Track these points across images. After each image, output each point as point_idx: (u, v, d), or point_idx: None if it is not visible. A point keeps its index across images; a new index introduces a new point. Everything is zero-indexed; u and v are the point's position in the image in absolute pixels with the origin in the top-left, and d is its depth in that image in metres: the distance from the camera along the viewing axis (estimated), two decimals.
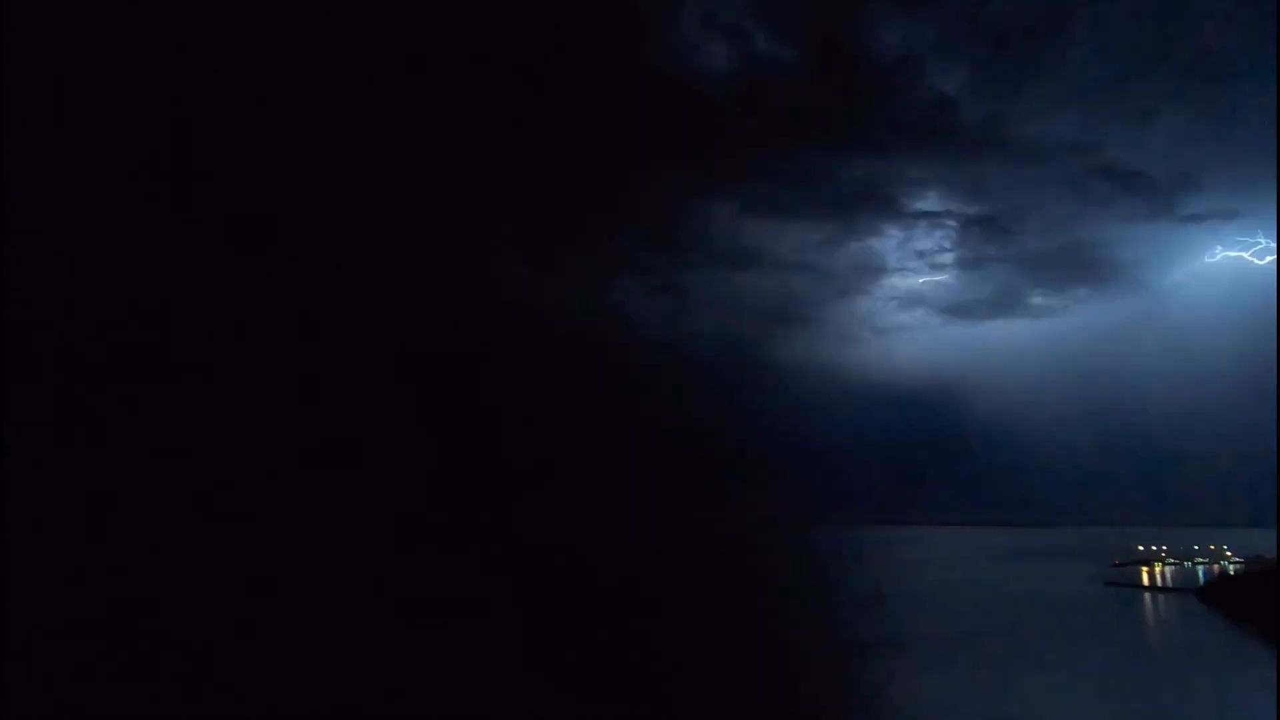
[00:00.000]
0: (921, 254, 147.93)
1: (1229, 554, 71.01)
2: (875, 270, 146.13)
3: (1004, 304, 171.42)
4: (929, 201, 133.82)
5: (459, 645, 24.29)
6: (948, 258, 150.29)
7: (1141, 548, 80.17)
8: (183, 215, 29.29)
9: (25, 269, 23.11)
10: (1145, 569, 69.14)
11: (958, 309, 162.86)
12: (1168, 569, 70.39)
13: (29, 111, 22.95)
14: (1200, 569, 68.15)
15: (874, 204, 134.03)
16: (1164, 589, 45.90)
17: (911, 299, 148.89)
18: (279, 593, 26.78)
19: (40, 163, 24.11)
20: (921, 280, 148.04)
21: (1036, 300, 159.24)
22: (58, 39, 23.90)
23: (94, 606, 22.32)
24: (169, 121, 27.93)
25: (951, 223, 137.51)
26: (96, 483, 24.91)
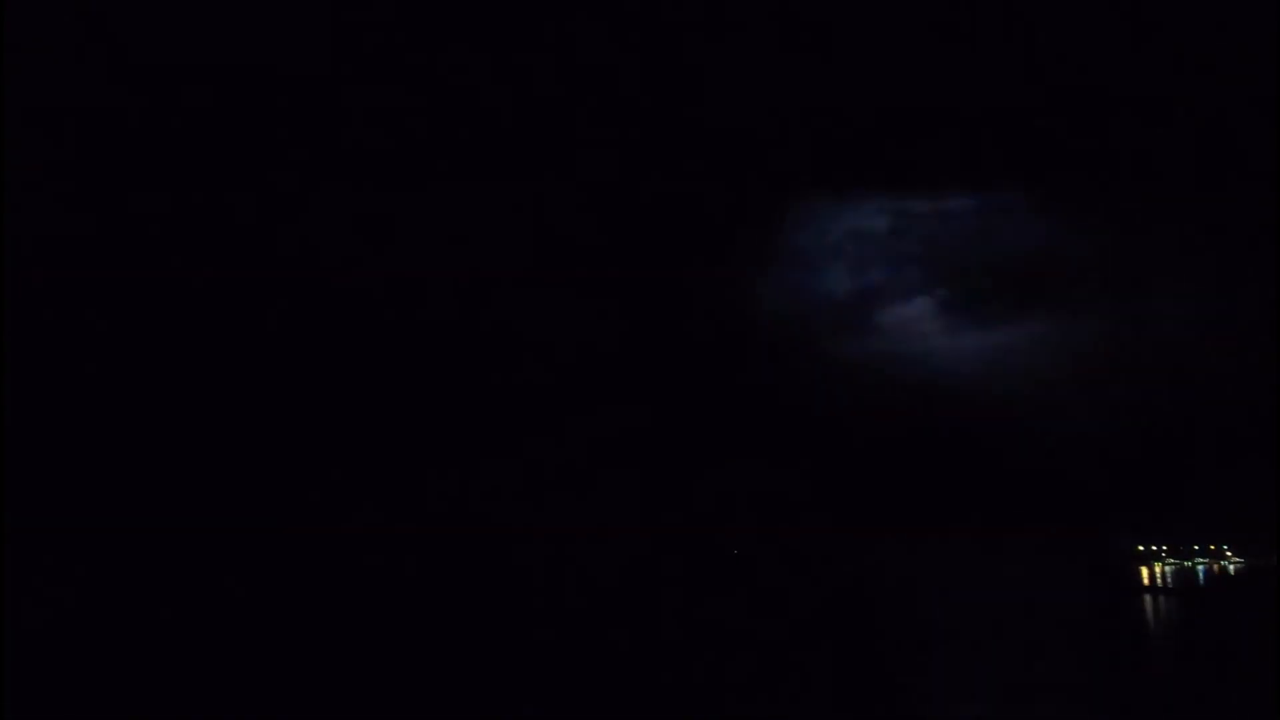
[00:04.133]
0: None
1: (1229, 554, 71.03)
2: None
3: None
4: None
5: None
6: None
7: (1141, 548, 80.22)
8: None
9: None
10: (1144, 569, 69.15)
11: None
12: (1167, 569, 70.41)
13: None
14: (1200, 569, 68.17)
15: None
16: (1164, 589, 46.07)
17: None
18: None
19: None
20: None
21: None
22: None
23: None
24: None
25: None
26: None
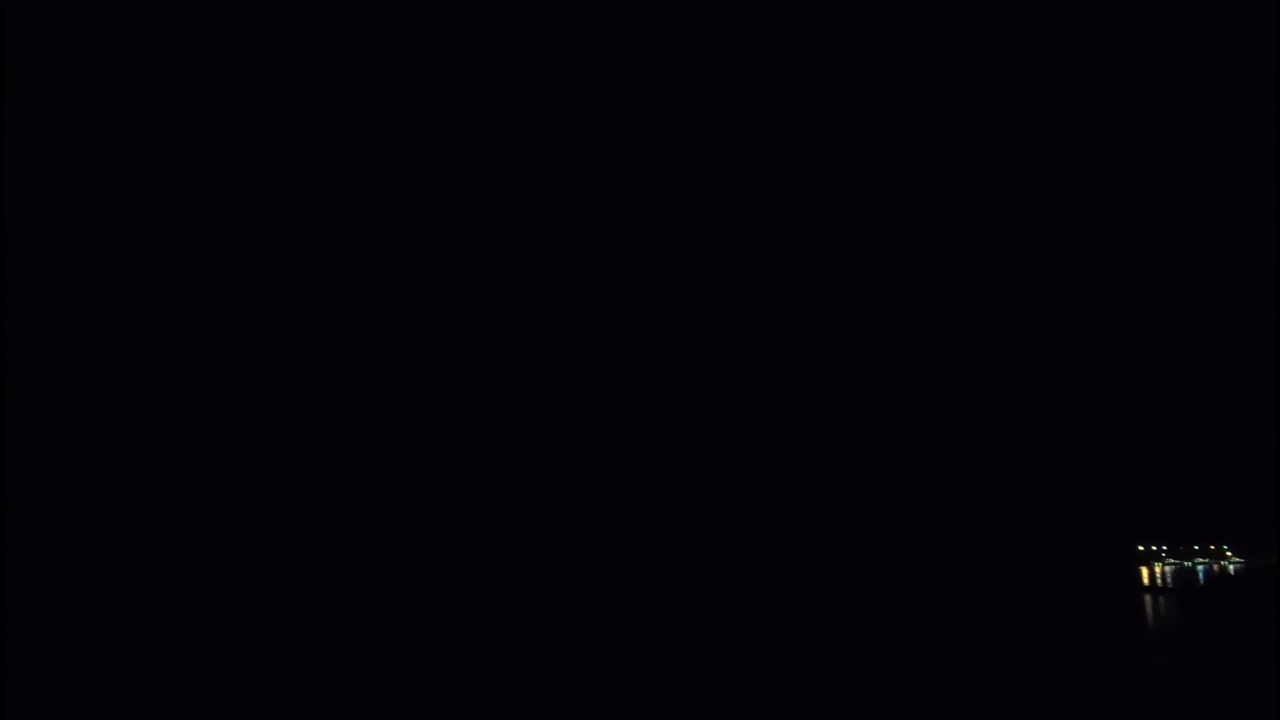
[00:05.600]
0: None
1: (1229, 554, 70.97)
2: None
3: None
4: None
5: None
6: None
7: (1141, 547, 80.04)
8: None
9: None
10: (1144, 568, 69.07)
11: None
12: (1167, 568, 70.34)
13: None
14: (1200, 569, 68.16)
15: None
16: (1164, 589, 45.97)
17: None
18: None
19: None
20: None
21: None
22: None
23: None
24: None
25: None
26: None
